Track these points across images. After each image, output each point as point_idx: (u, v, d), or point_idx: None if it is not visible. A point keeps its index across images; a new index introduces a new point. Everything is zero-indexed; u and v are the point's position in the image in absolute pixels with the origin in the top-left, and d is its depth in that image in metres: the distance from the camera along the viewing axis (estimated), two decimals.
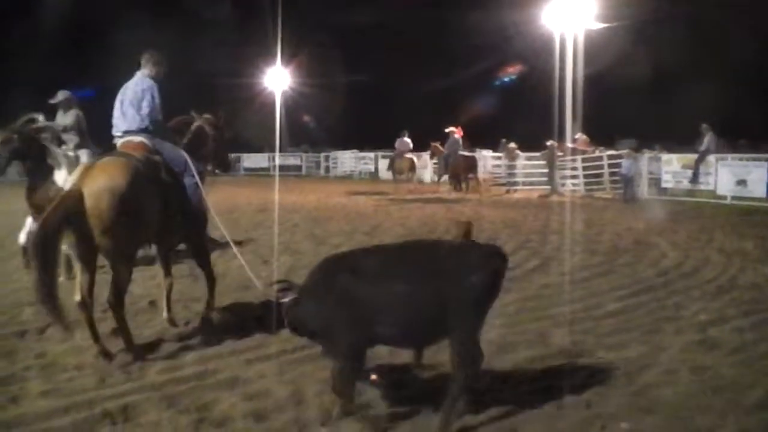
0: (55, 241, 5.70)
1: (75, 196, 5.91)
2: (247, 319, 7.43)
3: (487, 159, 30.01)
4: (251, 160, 44.98)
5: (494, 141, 31.78)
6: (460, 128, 26.23)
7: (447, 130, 26.26)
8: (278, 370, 5.88)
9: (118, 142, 7.08)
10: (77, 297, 6.22)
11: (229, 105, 47.45)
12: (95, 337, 6.21)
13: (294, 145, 49.41)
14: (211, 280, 7.46)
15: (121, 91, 7.13)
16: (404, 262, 4.76)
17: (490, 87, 49.66)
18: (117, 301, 6.17)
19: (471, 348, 4.63)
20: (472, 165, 26.03)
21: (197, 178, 7.19)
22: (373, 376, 5.21)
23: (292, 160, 45.63)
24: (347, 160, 40.17)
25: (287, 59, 43.31)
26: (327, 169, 42.80)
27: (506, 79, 50.24)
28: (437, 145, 27.07)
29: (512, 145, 27.26)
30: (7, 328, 7.02)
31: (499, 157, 28.75)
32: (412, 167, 28.09)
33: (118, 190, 5.97)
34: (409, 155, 28.11)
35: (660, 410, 4.99)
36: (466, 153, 26.72)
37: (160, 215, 6.49)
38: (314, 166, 44.57)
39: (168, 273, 7.41)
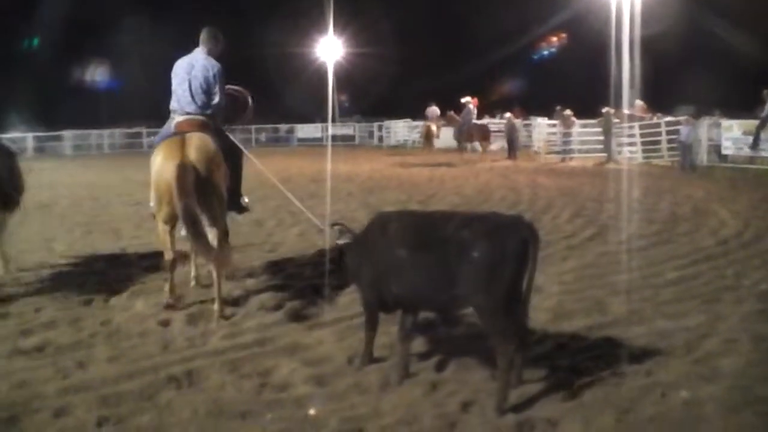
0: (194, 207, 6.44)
1: (188, 168, 6.48)
2: (305, 287, 7.54)
3: (542, 127, 29.68)
4: (304, 131, 45.23)
5: (550, 109, 31.39)
6: (475, 99, 27.27)
7: (463, 101, 27.12)
8: (337, 336, 5.98)
9: (180, 119, 7.17)
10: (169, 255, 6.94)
11: (280, 76, 48.07)
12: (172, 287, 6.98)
13: (346, 115, 49.53)
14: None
15: (185, 68, 7.17)
16: (425, 230, 4.85)
17: (540, 55, 49.19)
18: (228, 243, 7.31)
19: (496, 319, 4.54)
20: (485, 133, 27.84)
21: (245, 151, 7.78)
22: None
23: (345, 130, 45.77)
24: (400, 130, 40.06)
25: (339, 29, 43.33)
26: (380, 138, 42.82)
27: (547, 52, 49.79)
28: (453, 114, 28.75)
29: (567, 112, 26.89)
30: (73, 297, 7.22)
31: (554, 125, 28.40)
32: (429, 134, 30.53)
33: (219, 158, 6.84)
34: (429, 123, 30.19)
35: (720, 379, 4.95)
36: (479, 122, 28.25)
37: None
38: (367, 136, 44.63)
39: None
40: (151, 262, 8.69)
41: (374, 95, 48.11)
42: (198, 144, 6.71)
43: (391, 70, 48.20)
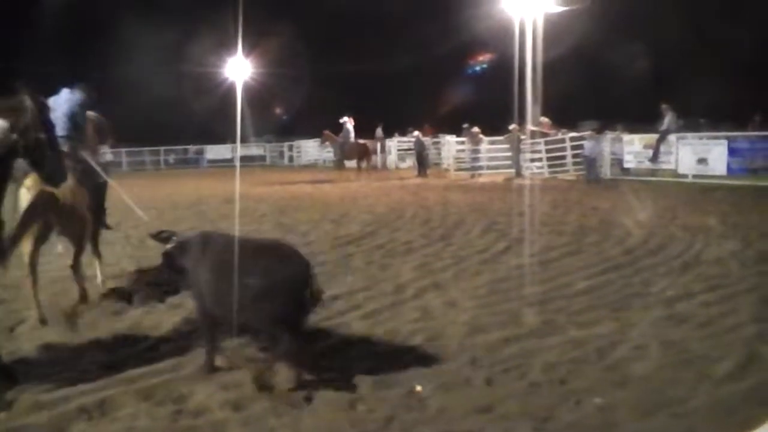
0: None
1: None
2: None
3: (450, 144, 30.07)
4: (214, 152, 44.69)
5: (458, 126, 31.85)
6: (351, 119, 28.50)
7: (341, 120, 28.47)
8: (251, 358, 5.86)
9: None
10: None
11: (189, 96, 47.38)
12: None
13: (257, 135, 49.15)
14: None
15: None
16: (227, 254, 5.26)
17: (456, 73, 49.83)
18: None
19: (275, 330, 5.29)
20: (364, 151, 29.02)
21: None
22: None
23: (256, 150, 45.45)
24: (311, 149, 39.99)
25: (248, 49, 43.04)
26: (291, 158, 42.65)
27: (477, 68, 50.48)
28: (329, 133, 29.65)
29: (475, 129, 27.34)
30: None
31: (462, 142, 28.81)
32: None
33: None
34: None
35: (632, 384, 5.08)
36: (359, 140, 29.28)
37: None
38: (278, 156, 44.42)
39: None
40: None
41: (284, 114, 47.92)
42: None
43: (300, 89, 48.10)
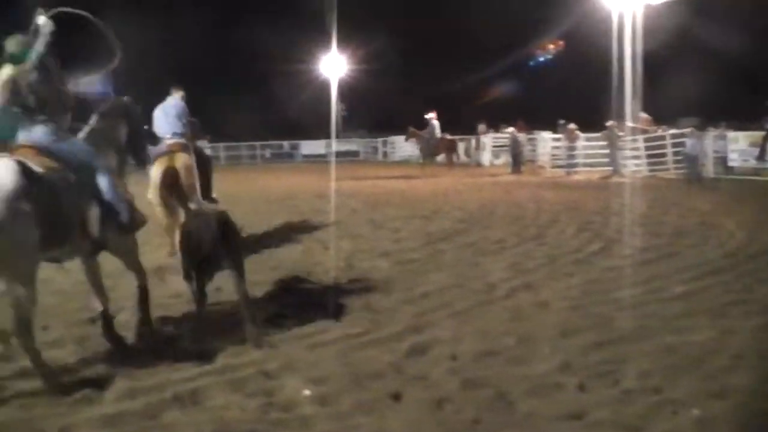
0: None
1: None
2: (309, 304, 7.46)
3: (546, 141, 29.65)
4: (309, 147, 45.30)
5: (553, 122, 31.39)
6: (435, 113, 28.54)
7: (427, 116, 28.48)
8: (341, 354, 5.90)
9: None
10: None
11: (285, 93, 48.21)
12: None
13: (351, 131, 49.58)
14: None
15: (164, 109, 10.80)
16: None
17: (536, 62, 49.20)
18: None
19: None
20: (452, 146, 29.74)
21: None
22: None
23: (349, 146, 45.83)
24: (404, 145, 40.01)
25: (342, 45, 43.43)
26: (385, 154, 42.85)
27: (542, 59, 49.77)
28: (414, 129, 29.56)
29: (572, 125, 26.89)
30: (81, 315, 7.13)
31: (558, 139, 28.38)
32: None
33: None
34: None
35: (731, 396, 4.86)
36: (447, 136, 29.42)
37: None
38: (372, 151, 44.71)
39: None
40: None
41: (378, 110, 48.13)
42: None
43: (394, 85, 48.26)
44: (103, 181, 5.93)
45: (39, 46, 5.62)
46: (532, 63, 53.50)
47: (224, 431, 4.57)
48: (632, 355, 5.65)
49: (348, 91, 47.26)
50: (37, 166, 5.29)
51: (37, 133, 5.63)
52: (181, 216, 9.01)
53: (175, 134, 10.44)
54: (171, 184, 9.56)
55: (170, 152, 10.12)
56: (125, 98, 6.53)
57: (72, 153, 5.79)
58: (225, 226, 6.45)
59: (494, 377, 5.26)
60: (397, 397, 4.96)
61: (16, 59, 5.62)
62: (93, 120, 6.43)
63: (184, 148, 10.34)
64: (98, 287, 6.33)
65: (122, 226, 6.09)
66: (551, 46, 50.97)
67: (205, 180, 10.65)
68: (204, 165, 10.94)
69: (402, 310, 7.17)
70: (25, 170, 5.11)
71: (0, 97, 5.54)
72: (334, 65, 43.86)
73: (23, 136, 5.63)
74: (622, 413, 4.61)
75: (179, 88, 10.98)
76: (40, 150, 5.55)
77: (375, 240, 11.60)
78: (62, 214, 5.37)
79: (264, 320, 6.83)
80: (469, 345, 6.04)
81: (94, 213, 5.79)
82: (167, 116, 10.56)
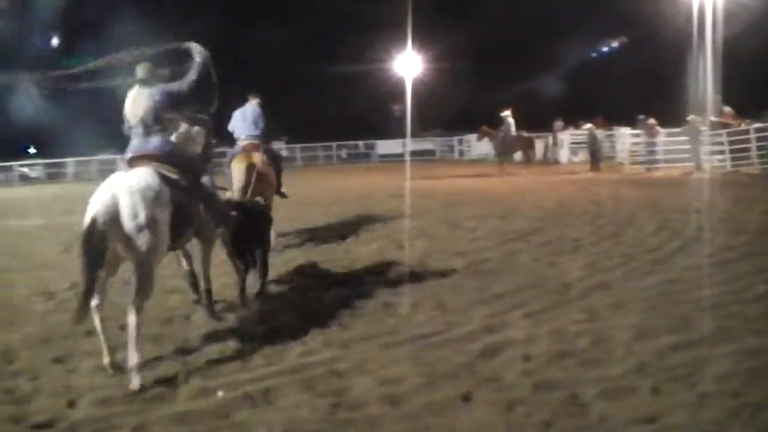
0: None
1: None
2: (381, 304, 7.52)
3: (625, 137, 29.05)
4: (385, 147, 45.44)
5: (632, 118, 30.72)
6: (510, 110, 27.69)
7: (502, 114, 27.66)
8: (412, 354, 5.93)
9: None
10: None
11: (360, 92, 48.57)
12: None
13: (427, 130, 49.52)
14: None
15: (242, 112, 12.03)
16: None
17: (626, 61, 48.20)
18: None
19: None
20: (528, 143, 28.67)
21: None
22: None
23: (425, 145, 45.77)
24: (480, 143, 39.76)
25: (417, 44, 43.45)
26: (461, 152, 42.68)
27: (609, 49, 48.80)
28: (487, 128, 28.85)
29: (651, 120, 26.28)
30: (154, 314, 7.36)
31: (637, 135, 27.77)
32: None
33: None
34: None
35: None
36: (524, 133, 28.58)
37: None
38: (448, 150, 44.57)
39: None
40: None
41: (453, 109, 47.91)
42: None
43: (468, 82, 48.02)
44: (205, 181, 7.06)
45: (193, 74, 6.49)
46: (601, 53, 52.54)
47: (294, 430, 4.63)
48: (710, 358, 5.49)
49: (423, 89, 47.13)
50: (167, 173, 6.28)
51: (153, 143, 6.46)
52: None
53: (249, 136, 11.62)
54: (249, 179, 10.44)
55: (246, 151, 11.19)
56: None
57: (181, 158, 6.72)
58: (260, 215, 8.32)
59: (567, 379, 5.20)
60: (467, 398, 4.96)
61: (145, 83, 6.49)
62: (182, 128, 7.25)
63: (257, 147, 11.42)
64: (206, 269, 7.23)
65: (217, 219, 7.04)
66: (621, 39, 50.05)
67: (276, 176, 11.79)
68: (275, 162, 12.06)
69: (475, 310, 7.14)
70: (162, 177, 6.12)
71: (129, 113, 6.51)
72: (408, 64, 43.88)
73: (142, 146, 6.47)
74: (698, 417, 4.49)
75: (256, 95, 12.08)
76: (160, 157, 6.42)
77: (450, 239, 11.59)
78: (186, 210, 6.34)
79: (337, 321, 6.95)
80: (542, 346, 5.98)
81: (200, 208, 6.74)
82: (245, 120, 11.76)
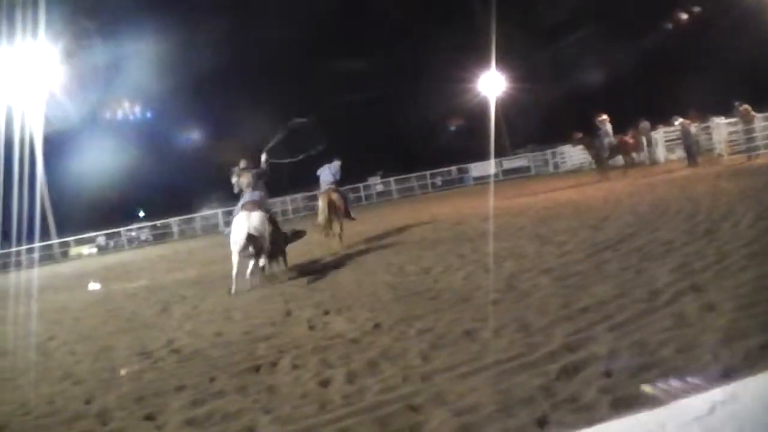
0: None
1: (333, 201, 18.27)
2: (462, 332, 7.43)
3: (720, 127, 28.00)
4: (478, 169, 45.30)
5: (727, 107, 29.60)
6: (606, 116, 27.63)
7: (598, 120, 27.63)
8: (491, 381, 5.80)
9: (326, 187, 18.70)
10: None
11: (447, 114, 48.72)
12: None
13: (519, 147, 49.15)
14: None
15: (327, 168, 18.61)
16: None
17: (716, 48, 46.58)
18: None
19: None
20: (627, 147, 28.52)
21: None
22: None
23: (519, 162, 45.44)
24: (576, 153, 39.10)
25: (501, 63, 43.33)
26: (556, 165, 42.13)
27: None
28: (581, 135, 28.74)
29: (745, 106, 25.29)
30: (242, 364, 7.49)
31: (734, 123, 26.73)
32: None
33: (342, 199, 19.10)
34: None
35: None
36: (628, 138, 28.73)
37: None
38: (542, 164, 44.11)
39: None
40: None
41: (542, 122, 47.44)
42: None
43: (554, 94, 47.48)
44: (275, 215, 13.44)
45: (272, 142, 12.01)
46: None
47: None
48: None
49: (510, 106, 46.85)
50: (264, 212, 13.38)
51: (255, 196, 13.76)
52: (337, 227, 17.67)
53: (330, 182, 18.11)
54: (330, 209, 17.33)
55: (327, 191, 17.75)
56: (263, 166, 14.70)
57: (266, 202, 13.83)
58: (271, 223, 13.15)
59: (647, 394, 5.00)
60: (542, 423, 4.83)
61: (246, 168, 14.35)
62: (254, 178, 14.25)
63: (335, 190, 18.00)
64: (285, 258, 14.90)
65: (287, 238, 14.18)
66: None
67: (345, 207, 18.10)
68: (344, 198, 18.46)
69: (558, 328, 6.96)
70: (265, 214, 13.29)
71: (239, 182, 14.31)
72: (492, 83, 43.77)
73: (251, 197, 13.64)
74: None
75: (339, 158, 18.35)
76: (259, 204, 13.51)
77: (538, 257, 11.39)
78: (273, 233, 13.45)
79: (419, 354, 6.90)
80: (623, 359, 5.78)
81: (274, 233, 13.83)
82: (331, 172, 18.16)
